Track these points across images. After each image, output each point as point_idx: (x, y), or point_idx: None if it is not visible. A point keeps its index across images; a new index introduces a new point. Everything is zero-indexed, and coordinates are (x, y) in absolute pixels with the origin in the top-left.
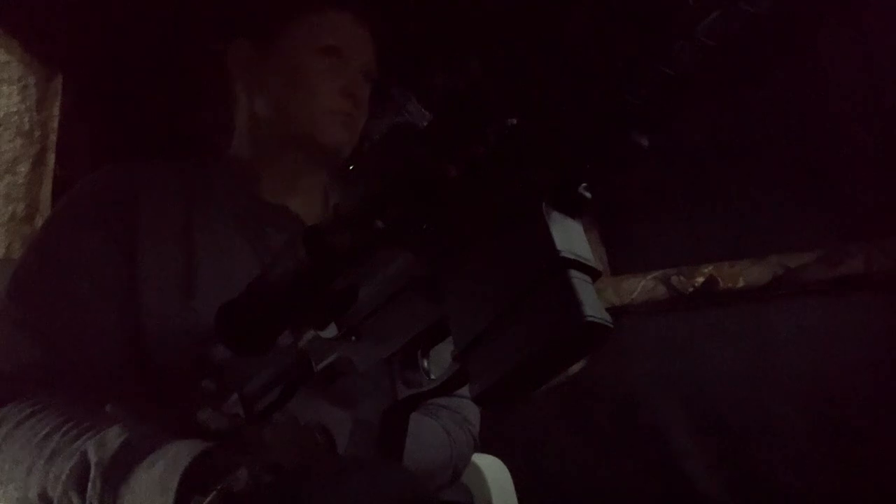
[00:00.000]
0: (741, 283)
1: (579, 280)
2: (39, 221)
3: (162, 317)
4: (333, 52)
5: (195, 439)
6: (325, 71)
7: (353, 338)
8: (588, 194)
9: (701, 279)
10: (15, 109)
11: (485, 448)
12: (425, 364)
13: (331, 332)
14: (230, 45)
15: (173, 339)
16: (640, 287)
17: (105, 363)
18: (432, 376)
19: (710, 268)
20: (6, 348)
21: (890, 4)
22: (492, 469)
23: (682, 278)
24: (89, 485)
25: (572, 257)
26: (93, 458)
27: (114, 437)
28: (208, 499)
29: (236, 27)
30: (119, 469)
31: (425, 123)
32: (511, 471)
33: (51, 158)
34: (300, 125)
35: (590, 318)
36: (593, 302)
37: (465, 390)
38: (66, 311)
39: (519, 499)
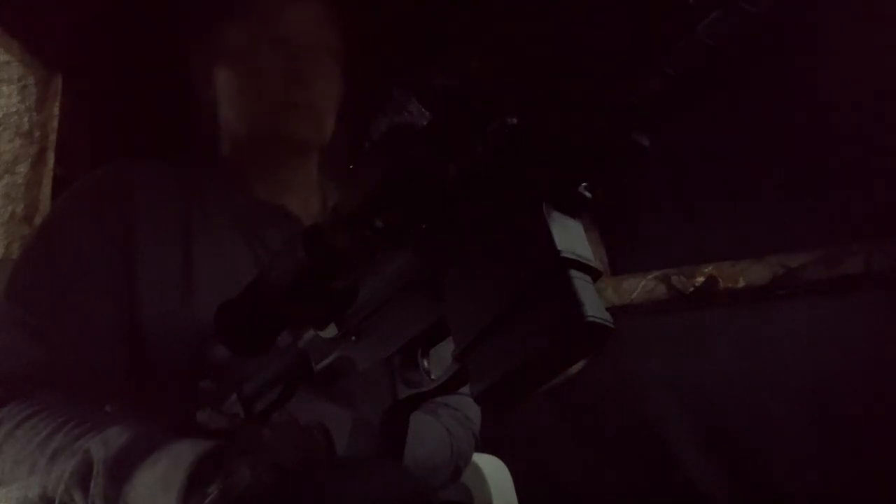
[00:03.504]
0: (741, 283)
1: (580, 280)
2: (39, 221)
3: (160, 316)
4: (275, 42)
5: (198, 438)
6: (266, 62)
7: (353, 338)
8: (588, 194)
9: (701, 279)
10: (15, 109)
11: (485, 448)
12: (425, 364)
13: (331, 332)
14: (190, 48)
15: (172, 339)
16: (640, 287)
17: (104, 363)
18: (432, 376)
19: (710, 268)
20: (6, 348)
21: (890, 4)
22: (492, 469)
23: (682, 278)
24: (92, 482)
25: (572, 257)
26: (96, 456)
27: (116, 435)
28: (210, 497)
29: (186, 30)
30: (122, 467)
31: (425, 123)
32: (511, 471)
33: (50, 158)
34: (258, 123)
35: (591, 319)
36: (594, 302)
37: (465, 388)
38: (65, 311)
39: (519, 499)
